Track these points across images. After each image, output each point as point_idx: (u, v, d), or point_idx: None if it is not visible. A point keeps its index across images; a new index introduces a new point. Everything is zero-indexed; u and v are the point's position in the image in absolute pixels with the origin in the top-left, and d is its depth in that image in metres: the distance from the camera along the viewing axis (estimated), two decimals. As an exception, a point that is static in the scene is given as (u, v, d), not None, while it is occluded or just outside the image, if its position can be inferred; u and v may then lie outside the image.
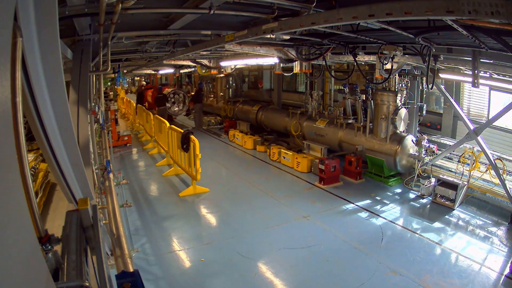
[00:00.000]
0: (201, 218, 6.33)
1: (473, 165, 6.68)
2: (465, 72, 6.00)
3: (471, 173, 6.72)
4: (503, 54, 4.51)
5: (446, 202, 6.51)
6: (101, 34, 3.62)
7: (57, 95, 1.77)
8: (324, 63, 7.16)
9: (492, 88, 7.00)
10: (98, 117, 6.09)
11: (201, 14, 3.94)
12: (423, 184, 7.06)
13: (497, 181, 6.23)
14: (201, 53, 8.48)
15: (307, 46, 6.92)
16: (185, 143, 7.29)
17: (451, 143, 7.63)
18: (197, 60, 10.44)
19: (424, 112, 8.11)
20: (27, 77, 1.46)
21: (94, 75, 5.65)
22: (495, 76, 5.42)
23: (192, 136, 7.15)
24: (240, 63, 9.99)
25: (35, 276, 0.89)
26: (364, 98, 8.51)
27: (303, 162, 8.64)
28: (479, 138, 6.49)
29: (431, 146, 7.32)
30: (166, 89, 17.85)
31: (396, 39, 5.20)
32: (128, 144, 11.91)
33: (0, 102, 0.76)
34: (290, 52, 7.16)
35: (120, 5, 2.62)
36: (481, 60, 5.04)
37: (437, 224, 5.91)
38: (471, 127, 6.63)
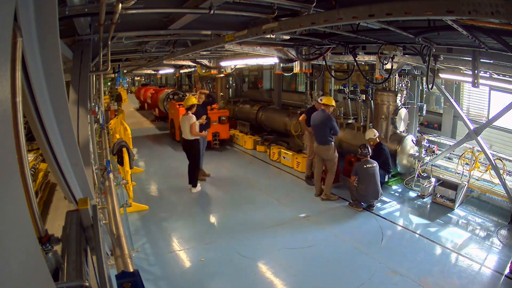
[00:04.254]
0: (201, 218, 6.33)
1: (473, 165, 6.68)
2: (465, 72, 6.00)
3: (471, 173, 6.72)
4: (503, 54, 4.51)
5: (446, 202, 6.51)
6: (101, 34, 3.61)
7: (57, 95, 1.77)
8: (324, 63, 7.15)
9: (492, 88, 6.99)
10: (98, 117, 6.09)
11: (201, 14, 3.94)
12: (423, 184, 7.06)
13: (497, 181, 6.23)
14: (201, 53, 8.47)
15: (307, 46, 6.92)
16: (119, 156, 6.53)
17: (451, 143, 7.62)
18: (197, 60, 10.42)
19: (424, 112, 8.11)
20: (27, 77, 1.46)
21: (94, 75, 5.65)
22: (495, 76, 5.41)
23: (124, 149, 6.47)
24: (240, 63, 9.98)
25: (35, 276, 0.89)
26: (364, 98, 8.51)
27: (303, 162, 8.62)
28: (479, 138, 6.50)
29: (431, 146, 7.32)
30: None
31: (396, 39, 5.20)
32: None
33: (0, 102, 0.76)
34: (290, 52, 7.15)
35: (120, 5, 2.62)
36: (481, 60, 5.04)
37: (437, 224, 5.91)
38: (471, 127, 6.63)
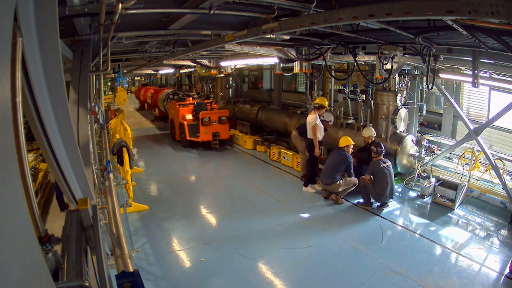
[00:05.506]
0: (201, 218, 6.33)
1: (473, 165, 6.68)
2: (465, 72, 6.00)
3: (471, 173, 6.72)
4: (503, 54, 4.51)
5: (446, 202, 6.51)
6: (101, 34, 3.61)
7: (57, 95, 1.77)
8: (324, 63, 7.15)
9: (492, 88, 6.99)
10: (98, 117, 6.09)
11: (201, 14, 3.94)
12: (423, 184, 7.06)
13: (497, 181, 6.23)
14: (201, 53, 8.47)
15: (307, 46, 6.91)
16: (119, 156, 6.50)
17: (451, 143, 7.62)
18: (197, 60, 10.43)
19: (424, 112, 8.11)
20: (27, 77, 1.46)
21: (94, 75, 5.65)
22: (495, 76, 5.41)
23: (124, 149, 6.45)
24: (240, 63, 9.98)
25: (35, 276, 0.89)
26: (364, 98, 8.51)
27: (303, 162, 8.63)
28: (479, 138, 6.49)
29: (431, 146, 7.32)
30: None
31: (396, 39, 5.20)
32: None
33: (0, 102, 0.76)
34: (290, 52, 7.15)
35: (120, 5, 2.62)
36: (481, 60, 5.04)
37: (437, 224, 5.91)
38: (471, 127, 6.63)
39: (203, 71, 11.92)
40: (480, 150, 6.54)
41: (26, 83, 1.46)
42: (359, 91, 8.45)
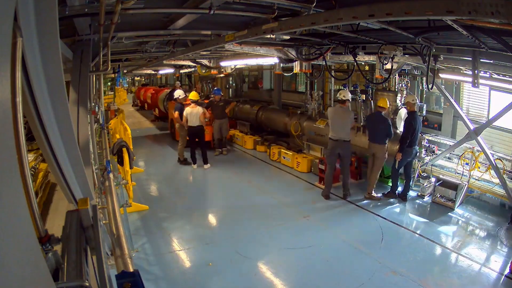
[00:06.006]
0: (201, 218, 6.33)
1: (473, 165, 6.68)
2: (465, 72, 6.00)
3: (471, 173, 6.72)
4: (503, 54, 4.51)
5: (446, 202, 6.51)
6: (101, 34, 3.61)
7: (57, 95, 1.77)
8: (324, 63, 7.15)
9: (492, 88, 6.99)
10: (98, 117, 6.09)
11: (201, 14, 3.94)
12: (423, 184, 7.06)
13: (497, 181, 6.23)
14: (201, 53, 8.48)
15: (307, 46, 6.92)
16: (119, 156, 6.43)
17: (451, 143, 7.62)
18: (197, 60, 10.42)
19: (424, 112, 8.10)
20: (27, 77, 1.46)
21: (94, 75, 5.65)
22: (495, 76, 5.41)
23: (124, 149, 6.38)
24: (240, 63, 9.98)
25: (35, 276, 0.89)
26: (364, 98, 8.51)
27: (303, 162, 8.63)
28: (479, 138, 6.49)
29: (431, 146, 7.32)
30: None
31: (396, 39, 5.20)
32: None
33: (0, 102, 0.76)
34: (290, 52, 7.15)
35: (120, 5, 2.62)
36: (481, 60, 5.04)
37: (437, 224, 5.91)
38: (471, 127, 6.63)
39: (203, 71, 11.92)
40: (480, 150, 6.54)
41: (26, 83, 1.46)
42: (359, 91, 8.45)
